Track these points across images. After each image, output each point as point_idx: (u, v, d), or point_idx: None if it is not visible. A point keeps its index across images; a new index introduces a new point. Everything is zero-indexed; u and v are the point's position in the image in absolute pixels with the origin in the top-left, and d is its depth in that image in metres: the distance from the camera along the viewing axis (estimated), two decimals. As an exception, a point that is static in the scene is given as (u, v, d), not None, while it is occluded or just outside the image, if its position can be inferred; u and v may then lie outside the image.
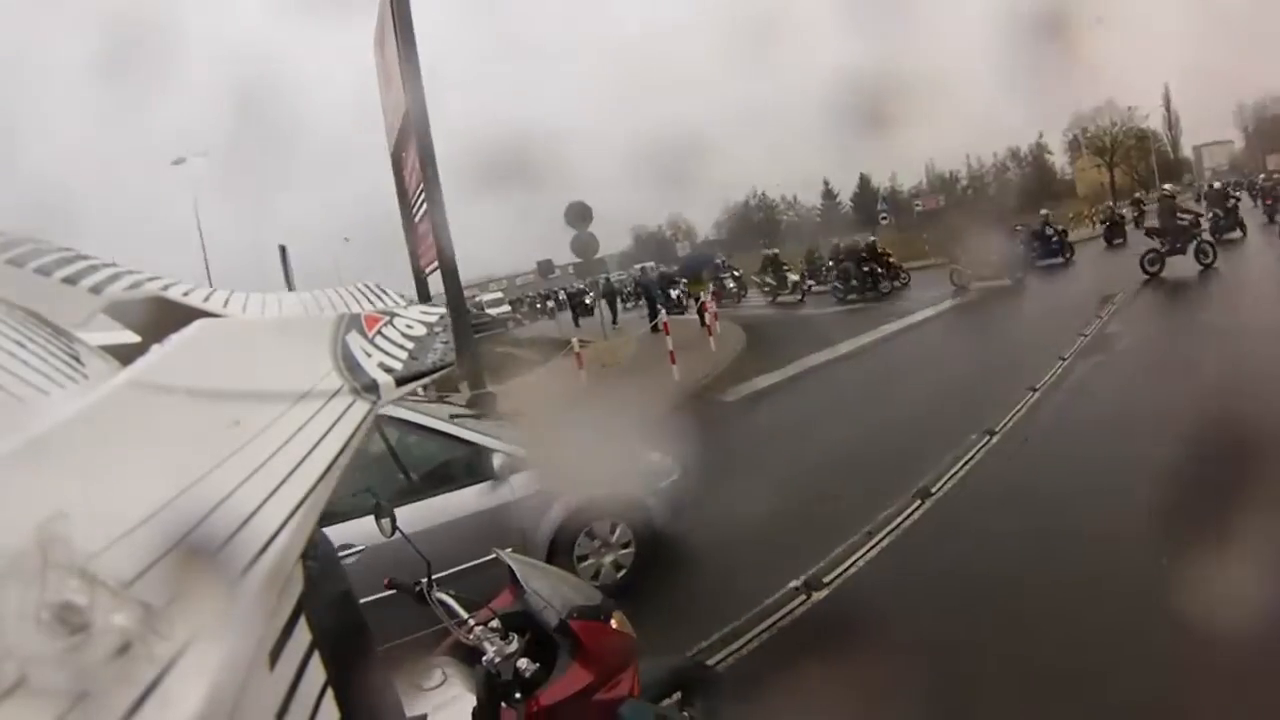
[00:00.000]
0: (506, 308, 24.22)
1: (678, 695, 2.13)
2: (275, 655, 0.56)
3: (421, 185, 10.40)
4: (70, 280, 0.68)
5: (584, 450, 4.16)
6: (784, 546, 4.08)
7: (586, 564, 3.98)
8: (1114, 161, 25.75)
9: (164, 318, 0.68)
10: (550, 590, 1.90)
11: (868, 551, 4.05)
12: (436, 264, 10.26)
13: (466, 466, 3.76)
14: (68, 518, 0.42)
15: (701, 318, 12.94)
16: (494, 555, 2.06)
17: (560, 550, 3.88)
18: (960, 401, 6.81)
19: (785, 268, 18.27)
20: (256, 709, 0.53)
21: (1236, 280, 10.97)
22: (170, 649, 0.43)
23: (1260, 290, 9.96)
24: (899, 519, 4.38)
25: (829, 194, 29.26)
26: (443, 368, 0.82)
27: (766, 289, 18.27)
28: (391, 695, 1.12)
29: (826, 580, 3.76)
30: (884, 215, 24.89)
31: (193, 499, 0.49)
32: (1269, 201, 16.49)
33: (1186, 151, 27.53)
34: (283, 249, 12.01)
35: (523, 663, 1.59)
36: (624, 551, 4.07)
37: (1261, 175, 21.68)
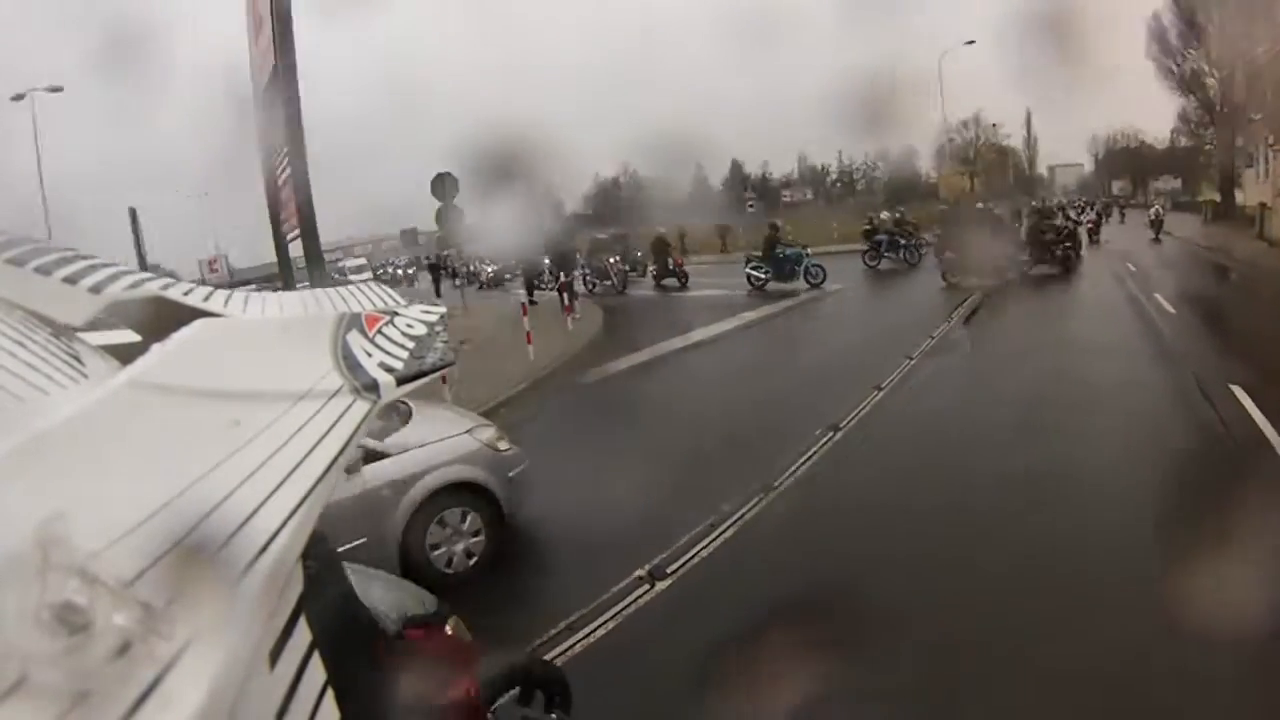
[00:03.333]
0: (368, 274, 23.94)
1: (515, 692, 2.11)
2: (275, 655, 0.56)
3: (286, 145, 10.33)
4: (70, 280, 0.67)
5: (427, 434, 4.26)
6: (630, 535, 4.13)
7: (439, 552, 4.13)
8: (976, 171, 28.29)
9: (164, 318, 0.68)
10: (386, 599, 1.90)
11: (712, 542, 4.14)
12: (298, 229, 10.18)
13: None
14: (68, 518, 0.42)
15: (562, 299, 12.98)
16: None
17: (413, 539, 4.02)
18: (808, 392, 7.28)
19: (670, 250, 17.98)
20: (256, 709, 0.53)
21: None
22: (170, 649, 0.43)
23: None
24: (743, 510, 4.48)
25: (700, 177, 29.65)
26: (443, 367, 0.82)
27: (654, 273, 17.86)
28: (391, 695, 1.12)
29: (671, 570, 3.85)
30: (750, 203, 25.18)
31: (193, 499, 0.49)
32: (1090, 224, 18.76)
33: (1042, 169, 31.39)
34: (133, 211, 11.83)
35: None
36: (475, 540, 4.23)
37: (1105, 198, 26.53)
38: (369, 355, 0.76)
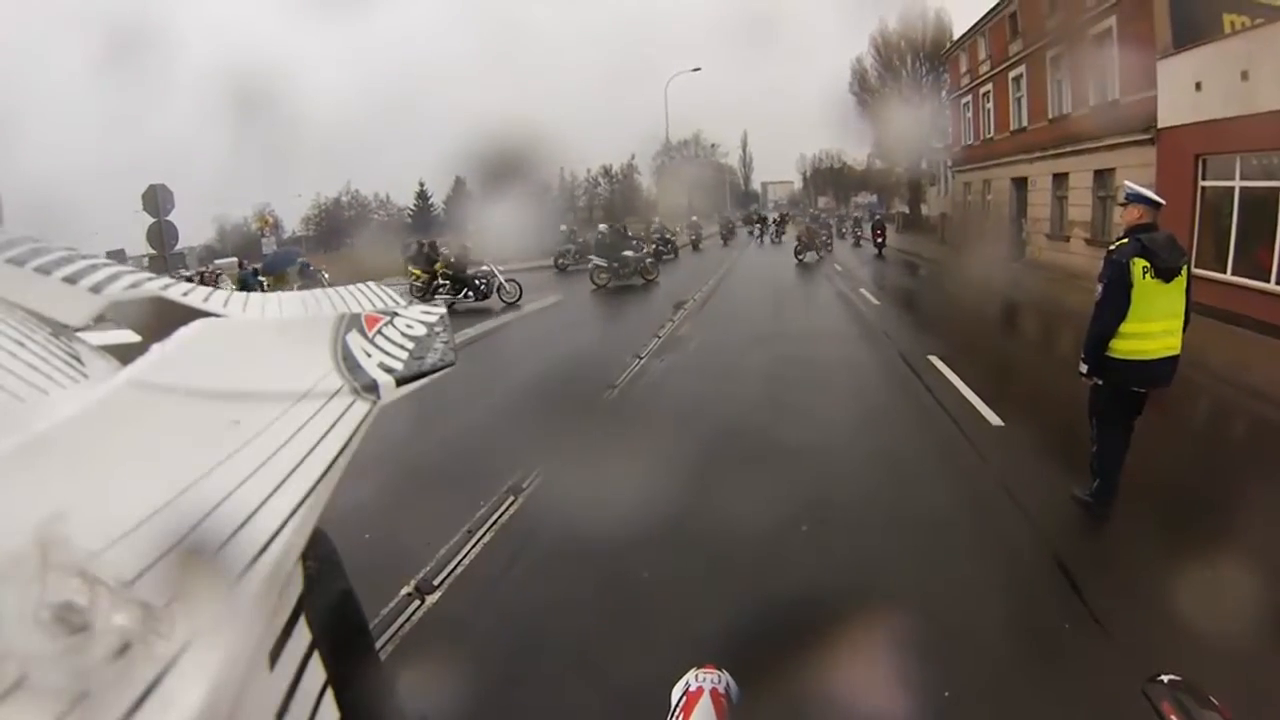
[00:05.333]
0: None
1: None
2: (275, 655, 0.56)
3: None
4: (70, 280, 0.67)
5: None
6: (390, 551, 4.07)
7: None
8: (693, 186, 32.71)
9: (164, 318, 0.68)
10: None
11: (471, 549, 4.16)
12: None
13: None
14: (68, 518, 0.42)
15: None
16: None
17: None
18: (539, 398, 7.46)
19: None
20: (256, 709, 0.53)
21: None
22: (170, 649, 0.43)
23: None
24: (495, 515, 4.50)
25: (422, 195, 29.73)
26: (444, 367, 0.82)
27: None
28: (391, 695, 1.12)
29: (437, 583, 3.81)
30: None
31: (193, 499, 0.49)
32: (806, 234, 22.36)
33: (756, 185, 38.01)
34: None
35: None
36: None
37: (812, 210, 32.93)
38: (368, 356, 0.76)
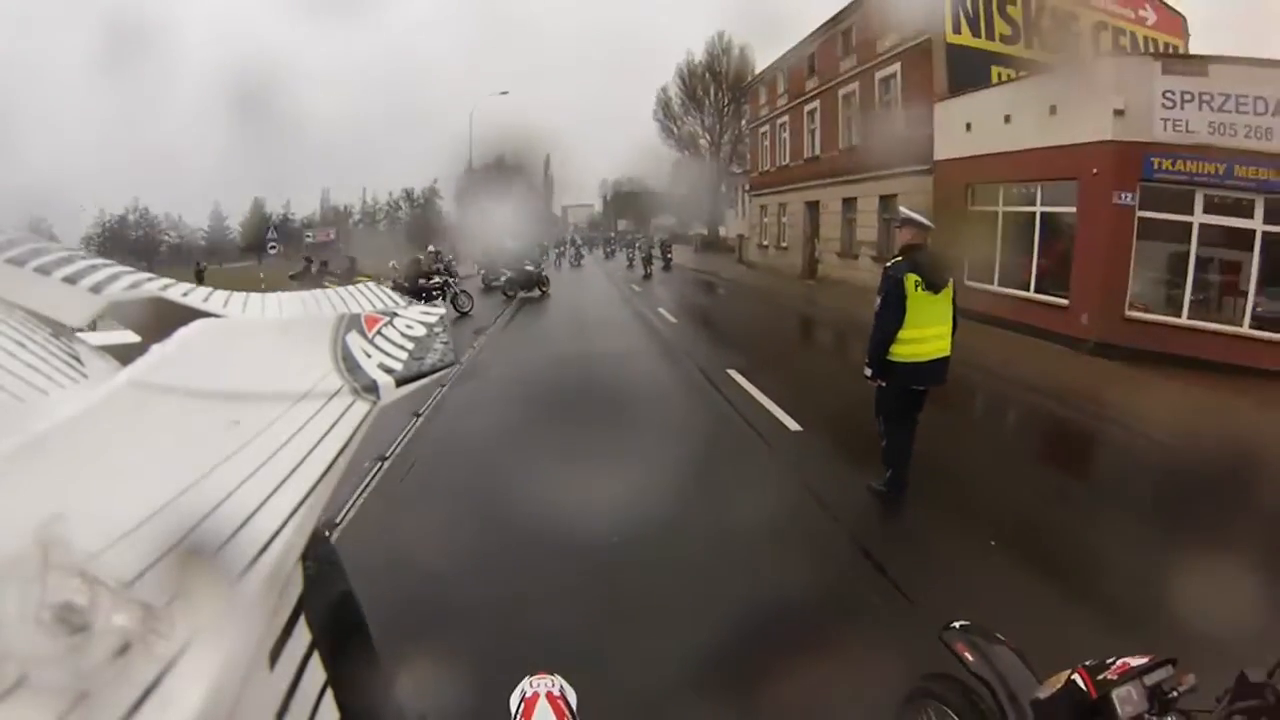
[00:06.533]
0: None
1: None
2: (275, 655, 0.56)
3: None
4: (70, 280, 0.67)
5: None
6: None
7: None
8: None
9: (164, 318, 0.68)
10: None
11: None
12: None
13: None
14: (68, 518, 0.42)
15: None
16: None
17: None
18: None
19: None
20: (256, 709, 0.53)
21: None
22: (170, 649, 0.43)
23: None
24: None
25: (217, 214, 29.31)
26: (443, 368, 0.82)
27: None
28: (391, 695, 1.12)
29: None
30: (273, 245, 23.24)
31: (193, 499, 0.49)
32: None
33: (558, 209, 38.31)
34: None
35: None
36: None
37: (612, 233, 34.63)
38: (368, 356, 0.76)
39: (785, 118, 21.50)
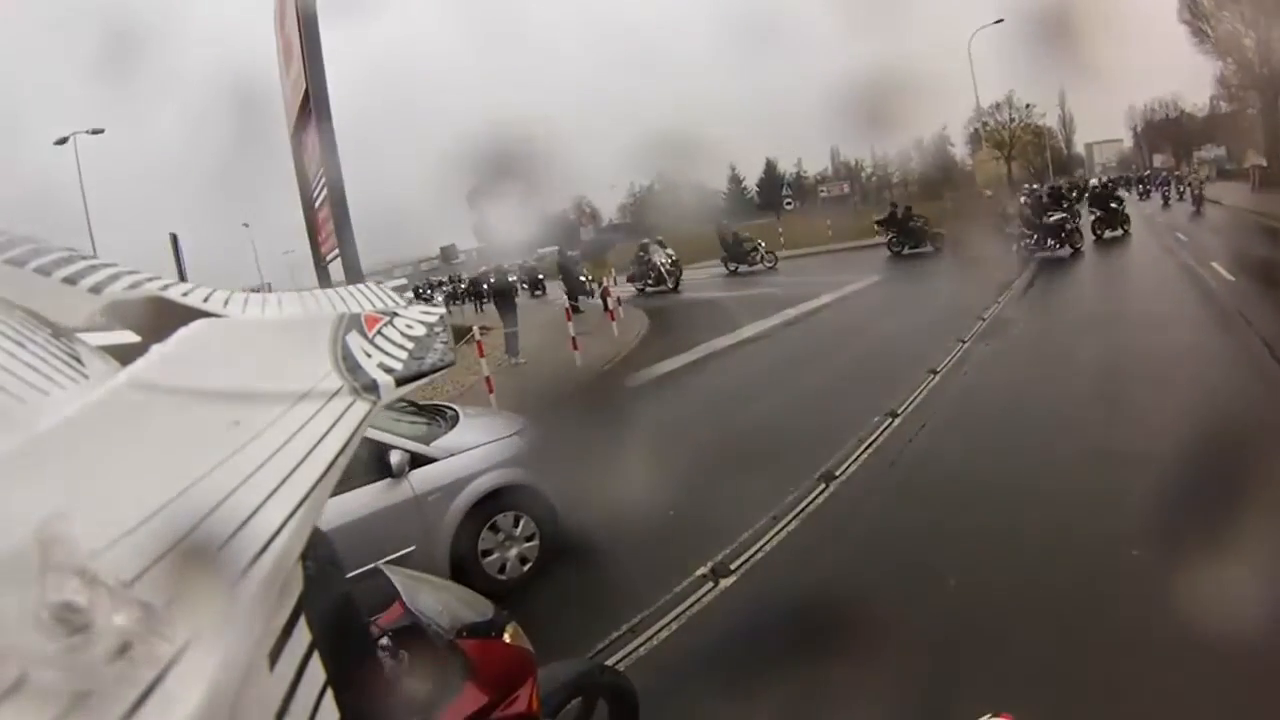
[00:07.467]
0: (410, 295, 23.67)
1: (578, 701, 2.06)
2: (275, 655, 0.56)
3: (322, 169, 10.17)
4: (70, 280, 0.67)
5: (475, 438, 4.16)
6: (690, 534, 4.07)
7: (491, 559, 3.97)
8: (1011, 155, 27.35)
9: (164, 318, 0.68)
10: (438, 607, 1.80)
11: (774, 536, 4.08)
12: (338, 251, 10.02)
13: (362, 464, 3.65)
14: (68, 518, 0.42)
15: (605, 302, 12.89)
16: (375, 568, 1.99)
17: (463, 546, 3.86)
18: (863, 383, 7.08)
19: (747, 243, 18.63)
20: (256, 709, 0.53)
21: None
22: (170, 649, 0.43)
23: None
24: (804, 503, 4.44)
25: (735, 178, 29.45)
26: (443, 367, 0.82)
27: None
28: (391, 695, 1.12)
29: (734, 567, 3.77)
30: (789, 200, 25.25)
31: (193, 499, 0.49)
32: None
33: (1079, 148, 29.78)
34: (174, 237, 11.65)
35: (413, 685, 1.46)
36: (528, 545, 4.07)
37: (1147, 171, 26.16)
38: (368, 356, 0.76)
39: None
